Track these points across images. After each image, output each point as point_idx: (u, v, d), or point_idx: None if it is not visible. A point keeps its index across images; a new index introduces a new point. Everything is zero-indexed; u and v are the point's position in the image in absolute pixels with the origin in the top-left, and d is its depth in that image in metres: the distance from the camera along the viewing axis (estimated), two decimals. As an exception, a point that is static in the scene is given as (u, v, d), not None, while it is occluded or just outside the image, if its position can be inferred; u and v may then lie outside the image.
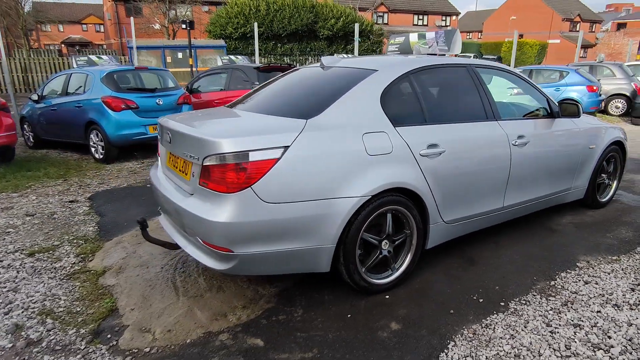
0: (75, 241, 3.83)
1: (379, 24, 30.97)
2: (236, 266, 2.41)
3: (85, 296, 2.98)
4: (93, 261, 3.49)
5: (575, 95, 11.12)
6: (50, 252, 3.62)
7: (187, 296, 2.89)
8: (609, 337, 2.39)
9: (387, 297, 2.81)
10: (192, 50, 17.31)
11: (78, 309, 2.83)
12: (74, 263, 3.45)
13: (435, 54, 3.65)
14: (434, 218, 2.95)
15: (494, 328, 2.48)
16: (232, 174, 2.29)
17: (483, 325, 2.51)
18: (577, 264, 3.28)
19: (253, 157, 2.30)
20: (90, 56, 8.34)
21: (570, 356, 2.24)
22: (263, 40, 22.95)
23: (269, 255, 2.41)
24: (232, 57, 8.76)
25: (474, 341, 2.37)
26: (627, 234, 3.85)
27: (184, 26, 11.81)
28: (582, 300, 2.77)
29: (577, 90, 11.13)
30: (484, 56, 35.28)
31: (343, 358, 2.24)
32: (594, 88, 11.11)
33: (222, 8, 22.96)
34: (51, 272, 3.29)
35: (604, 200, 4.50)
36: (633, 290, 2.90)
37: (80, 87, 6.87)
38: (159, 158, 3.25)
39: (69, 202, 4.84)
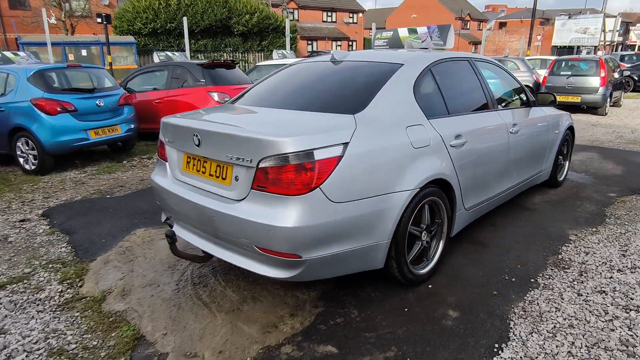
0: (50, 266, 3.31)
1: (292, 20, 30.99)
2: (302, 273, 2.27)
3: (95, 327, 2.60)
4: (84, 286, 3.05)
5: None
6: (25, 281, 3.09)
7: (223, 312, 2.65)
8: (632, 299, 2.69)
9: (430, 286, 2.86)
10: (101, 47, 15.82)
11: (94, 343, 2.46)
12: (62, 291, 2.98)
13: (427, 48, 3.77)
14: (459, 206, 3.06)
15: (538, 303, 2.65)
16: (298, 175, 2.15)
17: (527, 302, 2.67)
18: (570, 237, 3.63)
19: (318, 155, 2.17)
20: (5, 52, 7.20)
21: (612, 319, 2.48)
22: (175, 36, 21.77)
23: (335, 258, 2.31)
24: (169, 53, 8.16)
25: (528, 318, 2.51)
26: (592, 208, 4.35)
27: (99, 20, 10.67)
28: (592, 270, 3.07)
29: (492, 83, 12.21)
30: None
31: (424, 351, 2.24)
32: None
33: (127, 2, 21.26)
34: (38, 305, 2.82)
35: (560, 179, 5.03)
36: (624, 256, 3.29)
37: (-2, 88, 5.91)
38: (167, 164, 2.92)
39: (19, 221, 4.16)
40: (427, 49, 3.77)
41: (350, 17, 43.69)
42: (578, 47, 20.01)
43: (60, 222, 4.13)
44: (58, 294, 2.95)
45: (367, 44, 43.64)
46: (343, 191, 2.25)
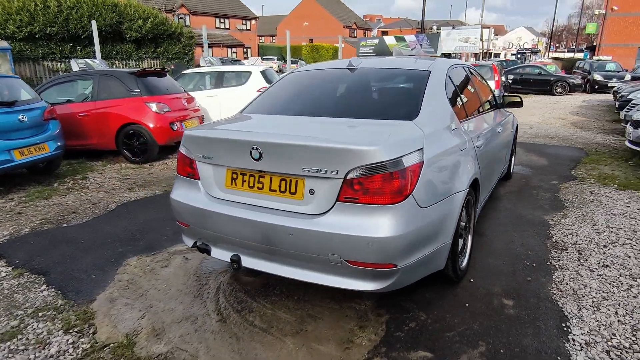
0: (41, 314, 2.76)
1: (187, 26, 29.50)
2: (395, 282, 2.23)
3: (144, 377, 2.26)
4: (100, 332, 2.61)
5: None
6: (19, 337, 2.54)
7: (288, 335, 2.48)
8: (630, 268, 3.15)
9: (472, 280, 3.01)
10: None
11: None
12: (74, 342, 2.52)
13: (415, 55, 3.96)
14: (479, 202, 3.27)
15: (567, 283, 2.96)
16: (393, 183, 2.11)
17: (557, 283, 2.97)
18: (549, 222, 4.10)
19: (407, 162, 2.17)
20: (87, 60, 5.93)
21: (629, 288, 2.88)
22: (57, 42, 19.38)
23: (418, 263, 2.31)
24: (89, 60, 7.24)
25: (568, 297, 2.79)
26: (547, 195, 4.96)
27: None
28: (585, 248, 3.52)
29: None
30: (286, 59, 37.73)
31: (510, 341, 2.35)
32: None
33: (-6, 1, 18.33)
34: (54, 363, 2.35)
35: (511, 172, 5.64)
36: (599, 233, 3.82)
37: None
38: (199, 182, 2.63)
39: (-37, 267, 3.37)
40: (414, 55, 3.95)
41: (243, 24, 43.28)
42: (455, 54, 22.48)
43: (24, 261, 3.45)
44: (71, 346, 2.48)
45: (262, 51, 43.68)
46: (427, 196, 2.27)
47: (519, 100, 4.63)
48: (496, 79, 12.81)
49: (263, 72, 8.84)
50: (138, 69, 6.96)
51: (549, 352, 2.26)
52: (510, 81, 20.03)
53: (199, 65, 10.17)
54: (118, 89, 6.70)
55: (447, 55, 26.38)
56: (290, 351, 2.35)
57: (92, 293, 2.98)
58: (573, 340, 2.36)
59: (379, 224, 2.12)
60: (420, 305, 2.72)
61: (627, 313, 2.60)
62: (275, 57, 38.38)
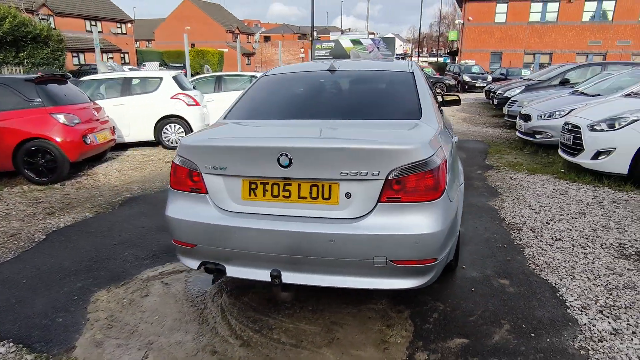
0: (9, 376, 2.26)
1: (54, 29, 25.97)
2: (433, 276, 2.29)
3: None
4: (99, 383, 2.23)
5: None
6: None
7: (323, 346, 2.39)
8: (587, 237, 3.68)
9: (464, 267, 3.22)
10: None
11: None
12: (71, 400, 2.12)
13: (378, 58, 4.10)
14: None
15: (539, 257, 3.34)
16: (433, 180, 2.17)
17: (532, 258, 3.33)
18: (494, 207, 4.57)
19: (438, 159, 2.24)
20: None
21: (593, 254, 3.36)
22: None
23: (447, 255, 2.40)
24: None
25: (548, 269, 3.15)
26: (480, 183, 5.51)
27: None
28: (535, 226, 4.00)
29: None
30: (169, 65, 35.77)
31: (526, 315, 2.58)
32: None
33: None
34: None
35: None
36: (537, 212, 4.38)
37: None
38: (207, 196, 2.38)
39: None
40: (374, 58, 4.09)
41: (118, 28, 39.84)
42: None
43: (-47, 316, 2.75)
44: (70, 406, 2.07)
45: (141, 56, 40.71)
46: (451, 190, 2.38)
47: (457, 98, 5.05)
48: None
49: (175, 78, 8.28)
50: (36, 75, 6.00)
51: (560, 320, 2.54)
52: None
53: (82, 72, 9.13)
54: (12, 98, 5.70)
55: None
56: (332, 362, 2.27)
57: (67, 339, 2.51)
58: (571, 306, 2.67)
59: (423, 221, 2.16)
60: (434, 296, 2.83)
61: (596, 277, 3.03)
62: (157, 62, 36.11)
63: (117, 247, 3.69)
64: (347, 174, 2.16)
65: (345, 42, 4.26)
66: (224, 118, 2.96)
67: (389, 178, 2.14)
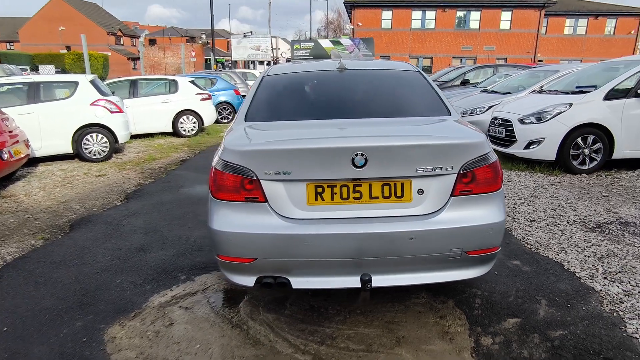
0: None
1: None
2: (494, 262, 2.40)
3: None
4: None
5: (225, 98, 12.92)
6: None
7: (396, 347, 2.36)
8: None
9: (474, 253, 3.42)
10: None
11: None
12: None
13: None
14: None
15: (528, 238, 3.69)
16: (497, 171, 2.28)
17: (522, 239, 3.67)
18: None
19: (493, 152, 2.36)
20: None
21: (563, 230, 3.81)
22: None
23: None
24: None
25: (542, 246, 3.50)
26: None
27: None
28: (509, 210, 4.40)
29: (228, 94, 12.99)
30: (39, 67, 31.63)
31: (551, 290, 2.84)
32: (239, 91, 13.36)
33: None
34: None
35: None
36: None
37: None
38: (266, 204, 2.19)
39: None
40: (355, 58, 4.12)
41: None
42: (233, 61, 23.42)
43: None
44: None
45: (5, 59, 35.32)
46: None
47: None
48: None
49: (93, 82, 7.39)
50: None
51: (581, 289, 2.85)
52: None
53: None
54: None
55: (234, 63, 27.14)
56: (415, 359, 2.26)
57: (102, 389, 2.12)
58: (582, 277, 3.01)
59: (491, 211, 2.26)
60: (466, 283, 2.96)
61: (582, 250, 3.45)
62: (27, 67, 31.78)
63: (102, 275, 3.19)
64: (424, 170, 2.17)
65: (325, 43, 4.24)
66: (245, 121, 2.75)
67: (461, 172, 2.20)
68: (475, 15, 36.63)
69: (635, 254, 3.33)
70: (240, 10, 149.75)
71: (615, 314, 2.56)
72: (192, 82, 10.24)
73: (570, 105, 5.78)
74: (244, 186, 2.21)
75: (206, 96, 10.25)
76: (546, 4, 34.13)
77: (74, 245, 3.75)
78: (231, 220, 2.23)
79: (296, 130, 2.48)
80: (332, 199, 2.21)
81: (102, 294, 2.93)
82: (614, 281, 2.93)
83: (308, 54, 4.16)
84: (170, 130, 9.85)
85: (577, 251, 3.41)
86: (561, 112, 5.76)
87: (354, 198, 2.21)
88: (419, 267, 2.25)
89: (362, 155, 2.12)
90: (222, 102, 12.60)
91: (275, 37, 28.79)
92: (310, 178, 2.18)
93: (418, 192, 2.21)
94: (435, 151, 2.18)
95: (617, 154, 5.78)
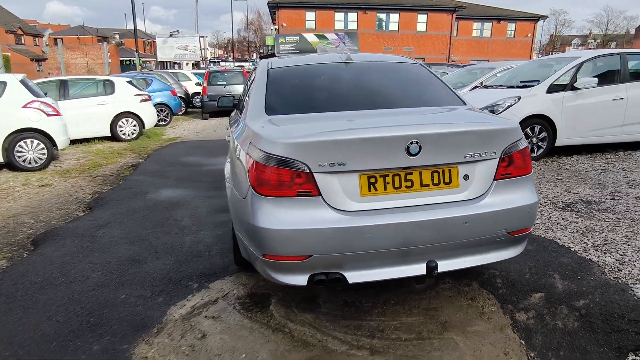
0: None
1: None
2: (526, 242, 2.53)
3: None
4: None
5: (162, 100, 12.23)
6: None
7: (444, 332, 2.40)
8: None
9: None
10: None
11: None
12: None
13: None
14: None
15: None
16: (527, 154, 2.40)
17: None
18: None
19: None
20: None
21: (552, 211, 4.12)
22: None
23: None
24: None
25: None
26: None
27: None
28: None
29: (164, 95, 12.30)
30: None
31: (558, 264, 3.06)
32: (176, 92, 12.70)
33: None
34: None
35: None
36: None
37: None
38: (320, 198, 2.10)
39: None
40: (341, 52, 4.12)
41: None
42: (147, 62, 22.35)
43: None
44: None
45: None
46: None
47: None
48: (249, 83, 13.73)
49: (23, 82, 6.58)
50: None
51: (582, 262, 3.10)
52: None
53: None
54: None
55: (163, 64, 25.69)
56: (464, 342, 2.31)
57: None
58: (577, 250, 3.29)
59: (527, 192, 2.38)
60: (482, 266, 3.07)
61: (564, 227, 3.76)
62: None
63: (100, 292, 2.86)
64: (472, 155, 2.22)
65: (310, 37, 4.17)
66: (267, 114, 2.62)
67: (502, 157, 2.29)
68: (394, 17, 38.31)
69: (610, 228, 3.71)
70: (152, 10, 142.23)
71: (619, 281, 2.83)
72: (129, 82, 9.55)
73: (519, 98, 6.28)
74: (294, 180, 2.10)
75: (146, 97, 9.62)
76: (457, 9, 36.74)
77: (50, 262, 3.31)
78: (281, 217, 2.11)
79: (336, 122, 2.42)
80: (385, 188, 2.18)
81: (110, 312, 2.62)
82: (605, 252, 3.24)
83: (294, 48, 4.08)
84: (109, 134, 9.09)
85: (562, 229, 3.72)
86: (512, 105, 6.23)
87: (406, 187, 2.21)
88: (472, 250, 2.30)
89: (417, 143, 2.12)
90: (158, 104, 11.88)
91: (203, 36, 27.81)
92: (363, 168, 2.14)
93: (464, 178, 2.27)
94: (483, 137, 2.25)
95: (560, 141, 6.39)
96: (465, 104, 2.85)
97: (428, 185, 2.23)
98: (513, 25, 40.38)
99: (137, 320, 2.54)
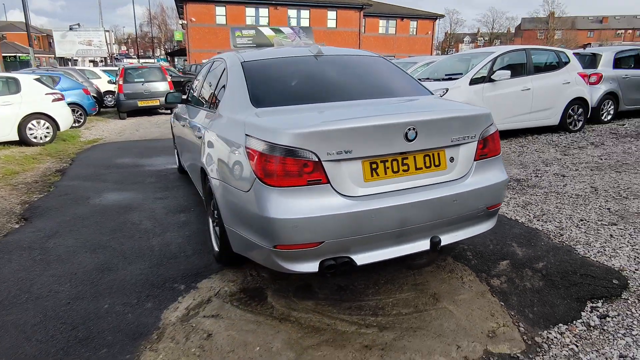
0: None
1: None
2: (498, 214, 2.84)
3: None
4: None
5: (74, 99, 11.19)
6: None
7: (437, 303, 2.62)
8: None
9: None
10: None
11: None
12: None
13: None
14: None
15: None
16: (498, 137, 2.69)
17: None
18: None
19: (492, 121, 2.78)
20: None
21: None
22: None
23: None
24: None
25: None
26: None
27: None
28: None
29: (76, 94, 11.26)
30: None
31: (517, 235, 3.46)
32: (89, 91, 11.68)
33: None
34: None
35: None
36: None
37: None
38: (328, 185, 2.18)
39: None
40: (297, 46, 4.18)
41: None
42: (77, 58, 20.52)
43: None
44: None
45: None
46: None
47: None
48: (169, 80, 13.13)
49: None
50: None
51: (530, 231, 3.54)
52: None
53: None
54: None
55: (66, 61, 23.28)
56: (456, 310, 2.54)
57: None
58: (524, 222, 3.74)
59: (499, 171, 2.67)
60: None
61: (508, 203, 4.24)
62: None
63: (77, 304, 2.63)
64: (457, 139, 2.45)
65: (266, 31, 4.16)
66: (255, 106, 2.62)
67: (479, 139, 2.55)
68: (305, 14, 38.73)
69: (542, 201, 4.25)
70: (34, 2, 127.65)
71: (564, 244, 3.29)
72: (38, 79, 8.60)
73: (447, 90, 6.83)
74: (303, 169, 2.15)
75: (59, 96, 8.74)
76: (364, 6, 38.23)
77: (2, 280, 2.96)
78: (293, 206, 2.15)
79: (334, 111, 2.51)
80: (385, 173, 2.32)
81: (97, 324, 2.44)
82: (545, 222, 3.73)
83: (251, 42, 4.05)
84: (17, 138, 8.12)
85: (506, 204, 4.18)
86: (442, 96, 6.76)
87: (403, 170, 2.37)
88: (460, 226, 2.54)
89: (414, 129, 2.28)
90: (70, 104, 10.83)
91: (108, 30, 25.40)
92: (366, 155, 2.25)
93: (450, 160, 2.49)
94: (466, 122, 2.48)
95: (482, 128, 7.07)
96: (433, 94, 3.09)
97: (421, 168, 2.41)
98: (415, 23, 43.02)
99: (132, 329, 2.40)
